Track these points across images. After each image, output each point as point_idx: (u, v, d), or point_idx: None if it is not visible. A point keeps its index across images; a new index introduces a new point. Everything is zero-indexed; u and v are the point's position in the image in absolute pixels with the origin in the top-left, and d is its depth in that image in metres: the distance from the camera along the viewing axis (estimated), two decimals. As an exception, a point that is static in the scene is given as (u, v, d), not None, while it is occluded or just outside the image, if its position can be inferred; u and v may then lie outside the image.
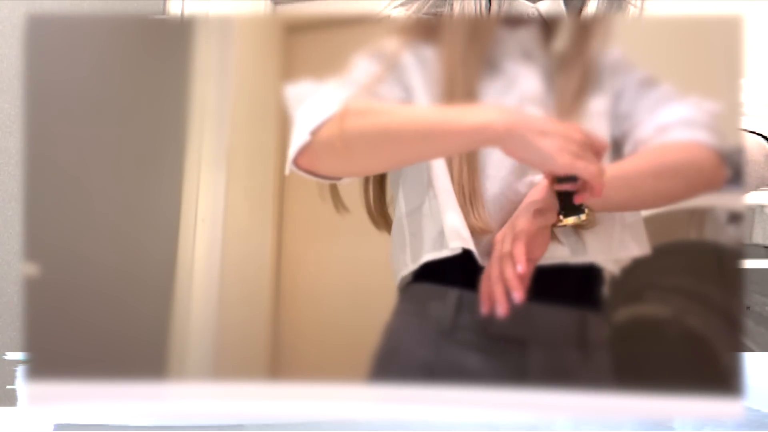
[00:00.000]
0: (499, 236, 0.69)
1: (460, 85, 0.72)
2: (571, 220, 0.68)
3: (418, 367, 0.72)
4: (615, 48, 0.73)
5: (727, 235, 0.71)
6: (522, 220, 0.69)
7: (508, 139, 0.65)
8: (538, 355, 0.71)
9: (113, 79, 0.75)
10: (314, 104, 0.70)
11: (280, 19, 0.90)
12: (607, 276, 0.73)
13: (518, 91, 0.72)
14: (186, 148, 0.77)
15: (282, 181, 0.78)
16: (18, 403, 0.65)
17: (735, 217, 0.71)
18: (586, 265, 0.72)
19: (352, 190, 0.77)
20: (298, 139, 0.70)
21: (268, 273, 0.79)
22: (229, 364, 0.76)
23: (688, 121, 0.72)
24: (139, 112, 0.76)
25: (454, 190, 0.72)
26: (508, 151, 0.66)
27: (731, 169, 0.70)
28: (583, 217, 0.68)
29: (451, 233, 0.71)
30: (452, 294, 0.72)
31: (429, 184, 0.73)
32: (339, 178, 0.74)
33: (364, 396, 0.68)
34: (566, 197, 0.68)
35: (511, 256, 0.67)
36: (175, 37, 0.77)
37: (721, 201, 0.72)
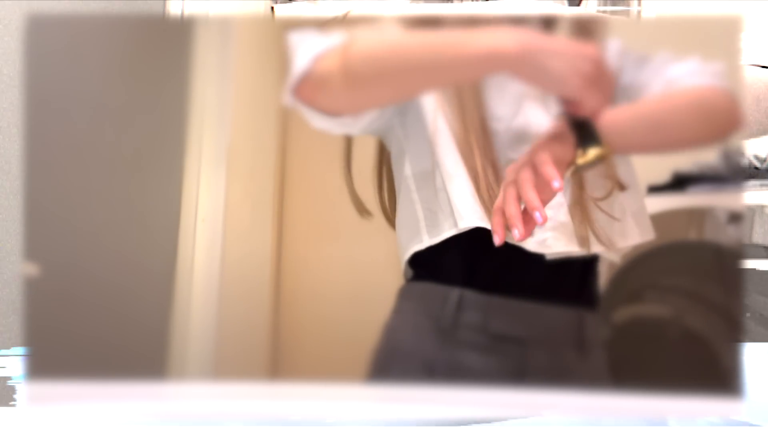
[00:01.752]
0: (511, 168, 0.65)
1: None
2: (592, 153, 0.65)
3: (418, 365, 0.71)
4: (613, 41, 0.72)
5: (727, 235, 0.71)
6: (539, 151, 0.65)
7: (520, 62, 0.62)
8: (538, 354, 0.70)
9: (113, 79, 0.75)
10: (317, 37, 0.67)
11: (280, 19, 0.90)
12: (607, 265, 0.72)
13: (519, 88, 0.71)
14: (186, 148, 0.77)
15: (282, 181, 0.78)
16: (18, 402, 0.65)
17: (735, 217, 0.71)
18: (590, 257, 0.71)
19: (361, 192, 0.77)
20: (298, 65, 0.66)
21: (268, 273, 0.79)
22: (229, 364, 0.76)
23: (696, 71, 0.71)
24: (139, 112, 0.76)
25: (465, 166, 0.69)
26: (521, 75, 0.63)
27: (730, 167, 0.70)
28: (601, 148, 0.64)
29: (464, 210, 0.69)
30: (453, 293, 0.71)
31: (436, 162, 0.71)
32: (338, 115, 0.70)
33: (364, 396, 0.68)
34: (583, 129, 0.65)
35: (531, 178, 0.63)
36: (175, 37, 0.77)
37: (721, 201, 0.72)
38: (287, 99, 0.67)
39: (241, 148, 0.80)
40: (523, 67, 0.62)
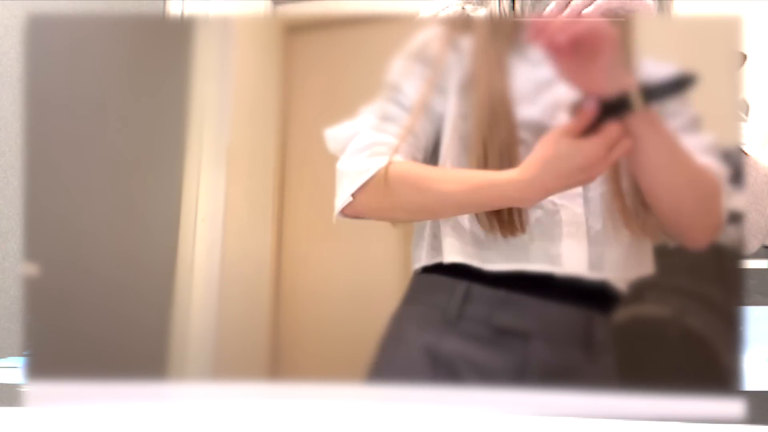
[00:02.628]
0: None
1: (494, 89, 0.72)
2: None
3: (421, 353, 0.73)
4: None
5: (727, 235, 0.71)
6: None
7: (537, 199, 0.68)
8: (540, 350, 0.71)
9: (113, 79, 0.75)
10: (355, 160, 0.73)
11: (280, 19, 0.90)
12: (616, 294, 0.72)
13: (551, 95, 0.71)
14: (186, 148, 0.77)
15: (282, 181, 0.78)
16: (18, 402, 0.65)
17: (735, 217, 0.71)
18: (599, 282, 0.72)
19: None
20: (341, 198, 0.74)
21: (268, 273, 0.79)
22: (229, 364, 0.76)
23: (709, 150, 0.70)
24: (139, 111, 0.76)
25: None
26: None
27: (731, 170, 0.69)
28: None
29: (447, 247, 0.74)
30: (461, 285, 0.73)
31: None
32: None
33: (364, 395, 0.68)
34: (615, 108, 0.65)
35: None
36: (175, 37, 0.76)
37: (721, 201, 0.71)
38: (336, 218, 0.75)
39: (241, 148, 0.80)
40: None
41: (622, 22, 0.69)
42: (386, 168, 0.73)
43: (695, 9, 0.69)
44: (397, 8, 0.88)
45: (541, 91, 0.72)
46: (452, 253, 0.74)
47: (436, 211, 0.73)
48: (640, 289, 0.74)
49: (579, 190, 0.72)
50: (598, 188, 0.71)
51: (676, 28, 0.73)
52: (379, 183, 0.73)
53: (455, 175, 0.72)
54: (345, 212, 0.75)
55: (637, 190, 0.71)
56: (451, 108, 0.74)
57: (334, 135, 0.75)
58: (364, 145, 0.74)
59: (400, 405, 0.65)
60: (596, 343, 0.71)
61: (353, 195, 0.73)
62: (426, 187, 0.72)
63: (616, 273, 0.72)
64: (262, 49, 0.79)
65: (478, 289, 0.72)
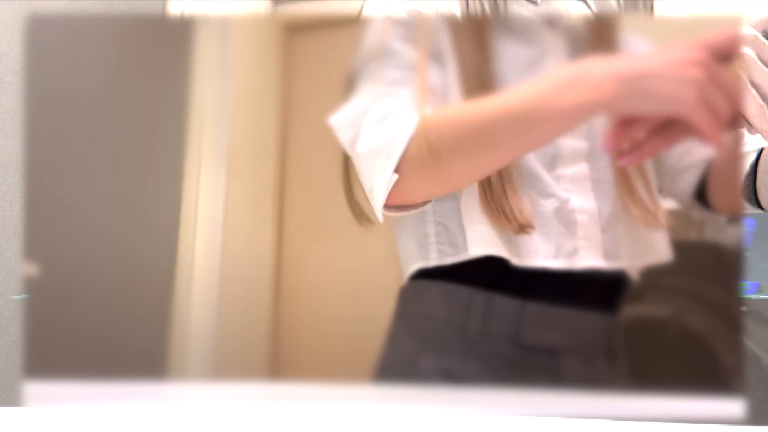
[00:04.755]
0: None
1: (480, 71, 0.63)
2: None
3: (439, 378, 0.63)
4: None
5: (727, 235, 0.71)
6: None
7: (621, 101, 0.51)
8: (570, 366, 0.64)
9: (113, 79, 0.75)
10: (379, 134, 0.59)
11: (280, 19, 0.89)
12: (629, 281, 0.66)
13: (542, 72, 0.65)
14: (186, 148, 0.77)
15: (282, 181, 0.78)
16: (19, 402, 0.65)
17: (735, 217, 0.71)
18: (616, 273, 0.64)
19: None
20: (381, 184, 0.59)
21: (268, 273, 0.79)
22: (229, 364, 0.76)
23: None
24: (140, 112, 0.76)
25: (479, 189, 0.61)
26: (625, 112, 0.52)
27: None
28: None
29: (474, 237, 0.61)
30: (479, 298, 0.63)
31: None
32: (429, 201, 0.63)
33: (364, 396, 0.68)
34: None
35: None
36: (175, 37, 0.77)
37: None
38: (380, 215, 0.60)
39: (241, 148, 0.80)
40: (626, 104, 0.52)
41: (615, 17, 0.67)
42: (422, 123, 0.57)
43: (695, 9, 0.69)
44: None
45: (529, 70, 0.64)
46: (482, 244, 0.61)
47: (496, 142, 0.56)
48: (641, 289, 0.74)
49: (586, 172, 0.63)
50: (606, 170, 0.64)
51: (676, 28, 0.73)
52: (421, 143, 0.57)
53: (498, 97, 0.57)
54: (391, 202, 0.59)
55: (643, 172, 0.64)
56: (451, 74, 0.63)
57: (341, 120, 0.62)
58: (382, 115, 0.60)
59: (403, 407, 0.65)
60: (615, 348, 0.67)
61: (396, 171, 0.57)
62: (473, 117, 0.56)
63: (630, 260, 0.64)
64: (262, 49, 0.79)
65: (500, 301, 0.62)
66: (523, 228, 0.61)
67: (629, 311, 0.75)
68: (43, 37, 0.69)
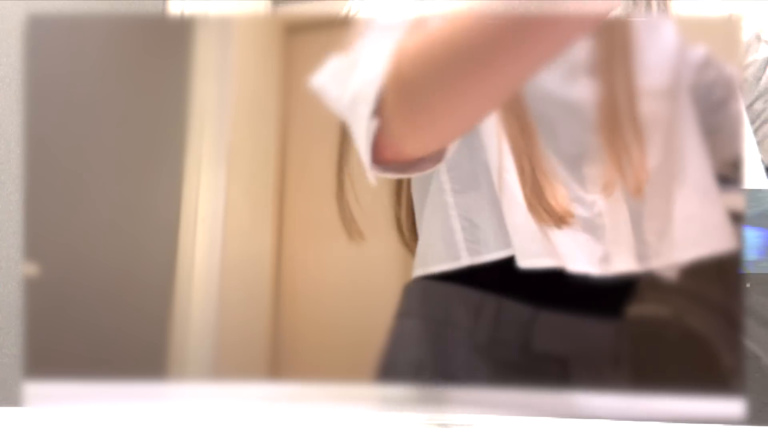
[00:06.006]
0: None
1: None
2: None
3: (442, 381, 0.62)
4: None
5: (727, 236, 0.71)
6: None
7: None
8: (579, 374, 0.63)
9: (113, 79, 0.75)
10: (357, 82, 0.52)
11: (280, 19, 0.89)
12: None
13: None
14: (186, 148, 0.77)
15: (282, 181, 0.78)
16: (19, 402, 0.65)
17: (735, 217, 0.71)
18: (629, 276, 0.62)
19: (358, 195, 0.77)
20: (362, 130, 0.52)
21: (268, 273, 0.79)
22: (229, 364, 0.76)
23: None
24: (139, 111, 0.76)
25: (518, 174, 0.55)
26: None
27: (731, 170, 0.69)
28: None
29: (523, 247, 0.56)
30: (490, 302, 0.60)
31: (485, 166, 0.56)
32: (432, 157, 0.56)
33: (364, 396, 0.68)
34: None
35: None
36: (175, 37, 0.76)
37: (722, 201, 0.71)
38: (371, 175, 0.54)
39: (241, 148, 0.80)
40: None
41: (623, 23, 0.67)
42: (396, 52, 0.48)
43: (695, 9, 0.69)
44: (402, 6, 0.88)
45: None
46: (530, 255, 0.56)
47: (480, 58, 0.45)
48: (641, 289, 0.74)
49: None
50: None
51: (676, 29, 0.73)
52: (395, 75, 0.48)
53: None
54: (382, 155, 0.51)
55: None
56: None
57: (325, 79, 0.53)
58: (359, 67, 0.52)
59: (404, 407, 0.65)
60: (621, 353, 0.67)
61: (376, 113, 0.49)
62: (452, 31, 0.46)
63: (666, 260, 0.60)
64: (262, 49, 0.79)
65: (510, 307, 0.59)
66: (563, 219, 0.56)
67: (629, 311, 0.75)
68: (43, 37, 0.69)
